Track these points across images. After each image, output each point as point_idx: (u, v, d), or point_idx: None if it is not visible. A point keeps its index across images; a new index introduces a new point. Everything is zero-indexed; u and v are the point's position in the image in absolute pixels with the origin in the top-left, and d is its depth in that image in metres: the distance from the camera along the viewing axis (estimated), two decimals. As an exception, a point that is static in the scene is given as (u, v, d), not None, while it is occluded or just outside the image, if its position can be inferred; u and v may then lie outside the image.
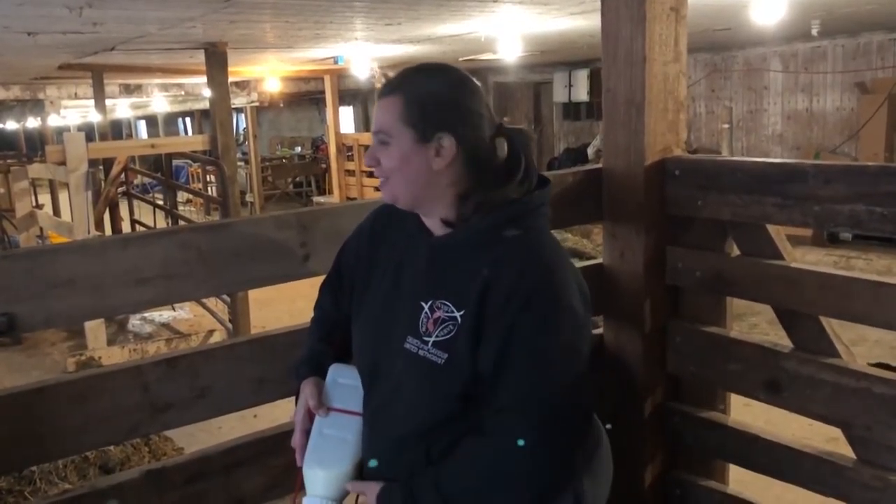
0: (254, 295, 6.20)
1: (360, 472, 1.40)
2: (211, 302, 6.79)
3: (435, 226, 1.40)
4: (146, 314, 7.19)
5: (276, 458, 1.79)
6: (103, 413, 1.56)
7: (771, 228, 1.96)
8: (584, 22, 6.64)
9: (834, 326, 1.88)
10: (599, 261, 2.31)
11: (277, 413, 1.95)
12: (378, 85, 10.79)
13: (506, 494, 1.27)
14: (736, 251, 2.07)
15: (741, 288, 2.02)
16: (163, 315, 7.31)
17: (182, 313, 7.37)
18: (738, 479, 2.24)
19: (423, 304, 1.34)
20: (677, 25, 2.11)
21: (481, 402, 1.30)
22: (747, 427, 2.08)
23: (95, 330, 6.05)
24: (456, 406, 1.31)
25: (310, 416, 1.43)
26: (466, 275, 1.32)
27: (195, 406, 1.68)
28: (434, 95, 1.35)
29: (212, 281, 1.67)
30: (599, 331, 2.33)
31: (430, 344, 1.31)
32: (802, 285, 1.87)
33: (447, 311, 1.32)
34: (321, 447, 1.38)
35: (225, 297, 6.40)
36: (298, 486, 1.41)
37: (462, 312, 1.31)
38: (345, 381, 1.46)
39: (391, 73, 1.43)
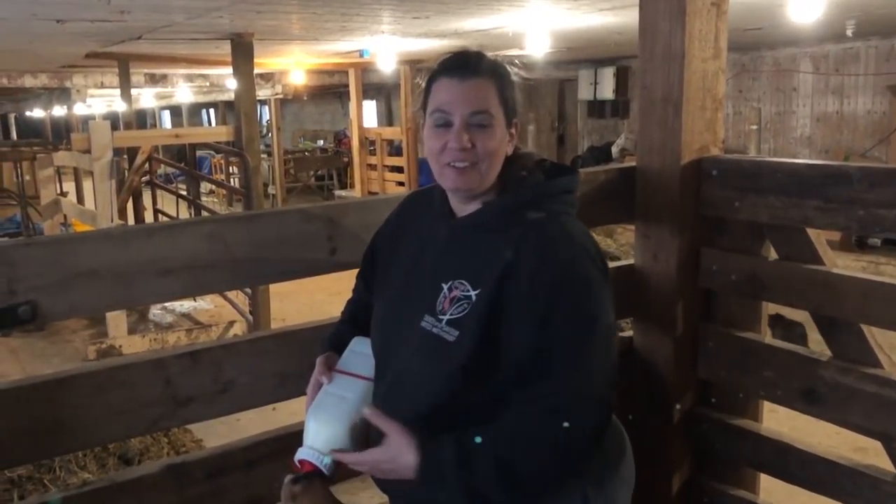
0: (274, 287, 6.19)
1: (361, 436, 1.37)
2: (232, 293, 6.79)
3: (463, 209, 1.40)
4: (167, 304, 7.21)
5: (297, 455, 1.75)
6: (124, 405, 1.53)
7: (811, 232, 1.90)
8: (614, 18, 6.56)
9: (875, 335, 1.82)
10: (631, 262, 2.26)
11: (296, 407, 1.92)
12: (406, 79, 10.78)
13: (548, 471, 1.26)
14: (773, 255, 2.01)
15: (778, 292, 1.96)
16: (183, 305, 7.33)
17: (203, 304, 7.38)
18: (762, 486, 2.18)
19: (443, 284, 1.34)
20: (718, 21, 2.05)
21: (501, 385, 1.28)
22: (781, 436, 2.02)
23: (116, 319, 6.06)
24: (460, 384, 1.30)
25: (318, 385, 1.44)
26: (485, 255, 1.32)
27: (217, 401, 1.65)
28: (511, 81, 1.37)
29: (238, 273, 1.64)
30: (629, 333, 2.28)
31: (444, 322, 1.31)
32: (844, 292, 1.80)
33: (463, 290, 1.31)
34: (321, 403, 1.41)
35: (246, 287, 6.40)
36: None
37: (478, 291, 1.30)
38: (359, 350, 1.47)
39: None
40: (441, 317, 1.32)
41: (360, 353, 1.47)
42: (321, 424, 1.37)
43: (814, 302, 1.88)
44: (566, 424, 1.23)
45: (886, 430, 1.76)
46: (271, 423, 1.89)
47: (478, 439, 1.23)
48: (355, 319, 1.58)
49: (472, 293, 1.30)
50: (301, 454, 1.37)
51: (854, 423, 1.82)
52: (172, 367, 1.58)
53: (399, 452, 1.26)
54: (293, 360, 1.73)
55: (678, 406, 2.17)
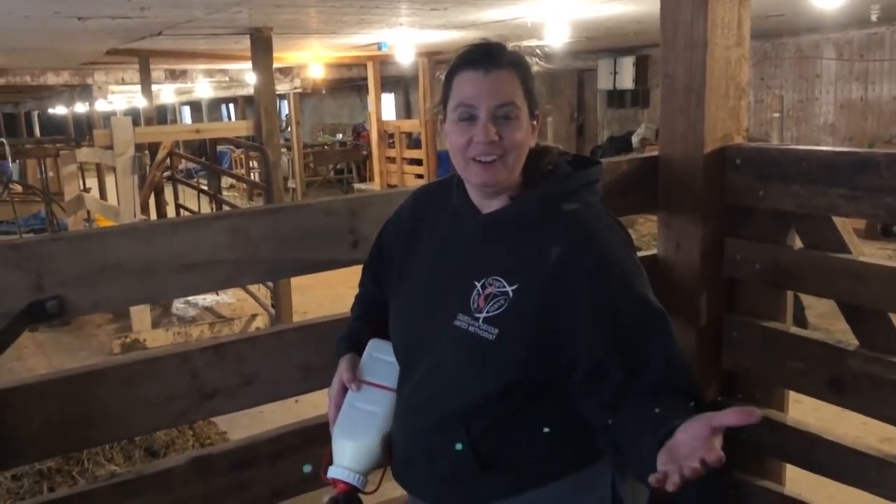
0: (295, 280, 6.22)
1: (388, 446, 1.39)
2: (254, 286, 6.84)
3: (487, 204, 1.36)
4: (190, 297, 7.27)
5: (322, 447, 1.75)
6: (151, 398, 1.55)
7: (837, 221, 1.88)
8: (634, 7, 6.52)
9: (903, 324, 1.79)
10: (653, 252, 2.24)
11: (318, 398, 1.94)
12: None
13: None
14: (798, 244, 1.99)
15: (804, 282, 1.94)
16: (206, 299, 7.38)
17: (225, 297, 7.43)
18: (788, 477, 2.16)
19: (476, 282, 1.31)
20: (741, 8, 2.02)
21: (549, 382, 1.28)
22: (807, 427, 2.00)
23: (140, 313, 6.13)
24: (502, 385, 1.28)
25: (343, 391, 1.43)
26: (523, 250, 1.30)
27: (242, 393, 1.66)
28: (533, 73, 1.35)
29: (261, 267, 1.65)
30: (652, 324, 2.26)
31: (480, 320, 1.29)
32: (871, 280, 1.78)
33: (499, 287, 1.29)
34: (350, 419, 1.39)
35: (268, 283, 6.44)
36: (327, 457, 1.40)
37: (515, 287, 1.28)
38: (380, 356, 1.45)
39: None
40: (477, 315, 1.29)
41: (382, 361, 1.45)
42: (352, 442, 1.37)
43: (840, 291, 1.86)
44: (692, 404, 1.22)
45: (916, 421, 1.73)
46: (294, 415, 1.90)
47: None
48: (368, 316, 1.56)
49: (509, 289, 1.28)
50: (335, 474, 1.37)
51: (882, 413, 1.80)
52: (198, 360, 1.60)
53: None
54: (316, 353, 1.73)
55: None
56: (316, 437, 1.76)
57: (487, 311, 1.28)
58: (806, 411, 2.43)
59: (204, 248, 1.57)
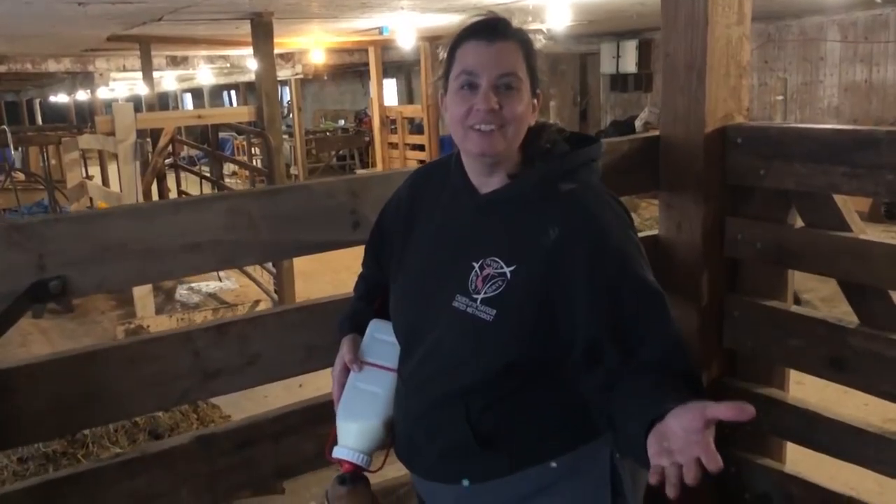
0: (298, 266, 6.24)
1: (392, 426, 1.40)
2: (257, 272, 6.86)
3: (485, 183, 1.36)
4: (193, 284, 7.30)
5: (324, 426, 1.76)
6: (154, 378, 1.56)
7: (838, 199, 1.88)
8: (635, -11, 6.47)
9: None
10: (654, 232, 2.24)
11: (322, 382, 1.95)
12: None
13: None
14: (799, 223, 1.99)
15: (805, 260, 1.94)
16: (210, 285, 7.40)
17: (228, 284, 7.45)
18: (789, 456, 2.18)
19: (474, 263, 1.31)
20: (742, -15, 2.01)
21: (548, 362, 1.29)
22: (807, 405, 2.01)
23: (144, 299, 6.15)
24: (501, 365, 1.29)
25: (346, 371, 1.44)
26: (521, 230, 1.30)
27: (245, 373, 1.67)
28: (535, 49, 1.34)
29: (262, 247, 1.66)
30: (653, 304, 2.27)
31: (478, 301, 1.29)
32: (871, 258, 1.78)
33: (496, 268, 1.29)
34: (353, 400, 1.41)
35: (271, 267, 6.45)
36: (332, 437, 1.41)
37: (513, 268, 1.28)
38: (382, 337, 1.46)
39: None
40: (475, 296, 1.29)
41: (383, 342, 1.46)
42: (355, 423, 1.39)
43: (841, 269, 1.86)
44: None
45: (916, 397, 1.74)
46: (298, 399, 1.91)
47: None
48: (370, 296, 1.56)
49: (507, 270, 1.28)
50: (339, 454, 1.38)
51: (883, 391, 1.81)
52: (200, 340, 1.61)
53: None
54: (319, 333, 1.74)
55: (704, 376, 2.16)
56: (319, 417, 1.78)
57: (485, 293, 1.29)
58: (808, 393, 2.43)
59: (205, 229, 1.57)
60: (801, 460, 2.10)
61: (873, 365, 1.80)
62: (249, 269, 7.01)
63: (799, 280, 2.08)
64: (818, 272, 1.95)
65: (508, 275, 1.28)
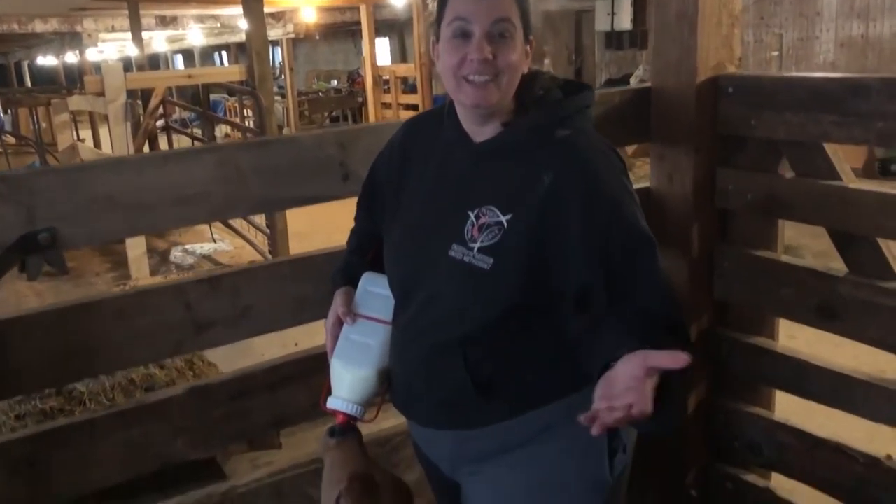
0: (292, 227, 6.23)
1: (385, 378, 1.42)
2: (251, 234, 6.85)
3: (479, 131, 1.35)
4: (187, 246, 7.29)
5: (319, 377, 1.78)
6: (147, 330, 1.57)
7: (828, 148, 1.88)
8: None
9: (892, 249, 1.81)
10: (646, 185, 2.24)
11: (318, 340, 1.97)
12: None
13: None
14: (790, 173, 1.99)
15: (795, 210, 1.95)
16: (204, 247, 7.40)
17: (223, 245, 7.45)
18: (780, 407, 2.20)
19: (469, 212, 1.31)
20: (735, -68, 1.99)
21: (544, 310, 1.29)
22: (797, 353, 2.03)
23: (138, 261, 6.15)
24: (499, 314, 1.29)
25: (339, 323, 1.45)
26: (516, 178, 1.30)
27: (237, 325, 1.68)
28: None
29: (251, 199, 1.66)
30: (644, 256, 2.28)
31: (475, 250, 1.29)
32: (861, 206, 1.79)
33: (492, 216, 1.29)
34: (346, 351, 1.42)
35: (265, 228, 6.45)
36: (326, 388, 1.43)
37: (510, 216, 1.28)
38: (375, 290, 1.46)
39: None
40: (472, 245, 1.29)
41: (376, 294, 1.46)
42: (349, 373, 1.40)
43: (830, 217, 1.87)
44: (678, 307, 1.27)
45: (902, 343, 1.76)
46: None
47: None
48: (363, 249, 1.56)
49: (503, 218, 1.28)
50: (333, 404, 1.40)
51: (871, 338, 1.83)
52: (192, 292, 1.61)
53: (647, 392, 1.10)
54: (311, 286, 1.75)
55: (694, 327, 2.18)
56: (313, 368, 1.79)
57: (482, 241, 1.29)
58: (801, 346, 2.45)
59: (194, 181, 1.57)
60: (793, 412, 2.12)
61: (862, 312, 1.81)
62: (243, 229, 7.01)
63: (791, 236, 2.08)
64: (808, 221, 1.95)
65: (505, 223, 1.28)
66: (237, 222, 7.15)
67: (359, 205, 1.61)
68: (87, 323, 1.50)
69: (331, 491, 1.31)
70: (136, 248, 6.13)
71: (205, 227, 7.46)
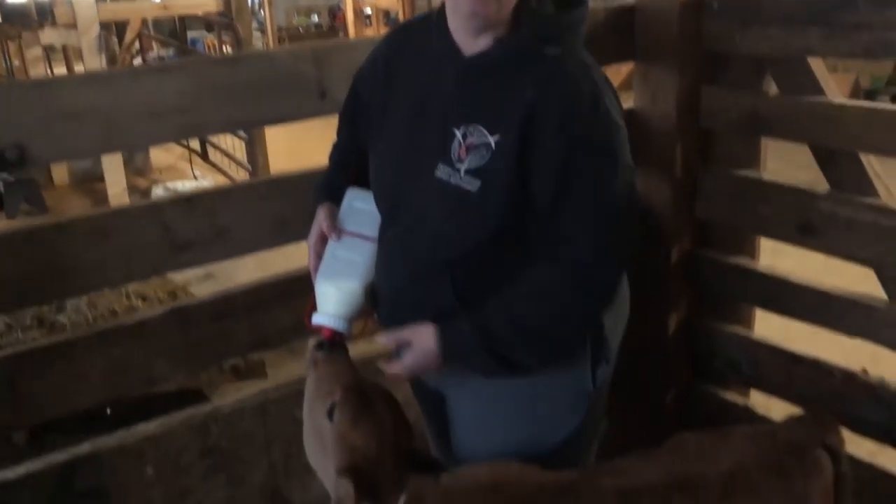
0: (274, 165, 6.18)
1: (371, 295, 1.41)
2: (232, 170, 6.78)
3: (472, 44, 1.30)
4: (168, 184, 7.20)
5: (300, 299, 1.78)
6: (123, 250, 1.55)
7: (813, 63, 1.85)
8: None
9: (874, 164, 1.81)
10: (630, 105, 2.21)
11: (298, 264, 1.95)
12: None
13: (581, 311, 1.29)
14: (774, 90, 1.97)
15: (778, 127, 1.93)
16: (185, 185, 7.31)
17: (204, 183, 7.37)
18: (761, 328, 2.23)
19: (456, 130, 1.27)
20: None
21: (529, 232, 1.27)
22: (775, 271, 2.05)
23: (118, 199, 6.07)
24: (487, 237, 1.27)
25: (323, 240, 1.43)
26: (504, 96, 1.26)
27: (216, 245, 1.66)
28: None
29: (226, 116, 1.61)
30: (627, 178, 2.26)
31: (462, 171, 1.26)
32: (844, 121, 1.78)
33: (480, 137, 1.25)
34: (332, 266, 1.40)
35: (246, 164, 6.38)
36: (310, 305, 1.42)
37: (497, 137, 1.24)
38: (360, 206, 1.44)
39: None
40: (458, 165, 1.26)
41: (361, 210, 1.44)
42: (335, 288, 1.38)
43: (814, 134, 1.86)
44: (590, 267, 1.25)
45: (880, 258, 1.77)
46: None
47: (497, 315, 1.26)
48: (346, 165, 1.53)
49: (491, 139, 1.25)
50: (319, 320, 1.38)
51: (849, 254, 1.84)
52: (168, 211, 1.59)
53: (422, 346, 1.30)
54: (290, 207, 1.73)
55: (676, 248, 2.18)
56: (293, 290, 1.78)
57: (469, 163, 1.26)
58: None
59: (166, 97, 1.52)
60: (773, 335, 2.14)
61: (842, 229, 1.82)
62: (225, 166, 6.93)
63: (776, 169, 2.08)
64: (791, 139, 1.94)
65: (493, 144, 1.24)
66: (219, 159, 7.08)
67: (341, 119, 1.57)
68: (60, 243, 1.48)
69: (318, 404, 1.30)
70: (115, 185, 6.05)
71: (186, 166, 7.37)
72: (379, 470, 1.22)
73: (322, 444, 1.29)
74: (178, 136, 1.67)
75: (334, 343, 1.38)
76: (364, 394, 1.28)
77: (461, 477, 1.29)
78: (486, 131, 1.26)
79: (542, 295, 1.27)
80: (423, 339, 1.31)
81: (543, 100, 1.23)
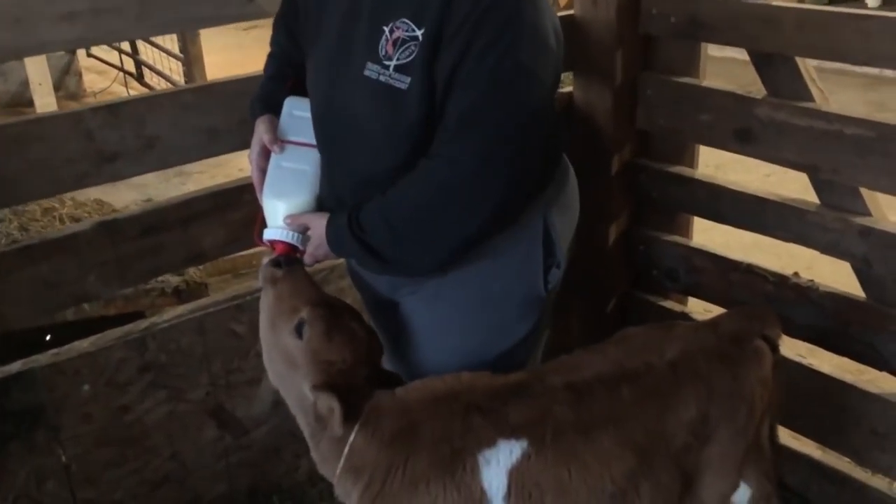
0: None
1: (321, 205, 1.37)
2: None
3: None
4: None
5: (235, 212, 1.75)
6: (46, 160, 1.48)
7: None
8: None
9: (812, 73, 1.81)
10: (571, 12, 2.18)
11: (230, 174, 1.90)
12: None
13: (449, 213, 1.23)
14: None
15: (716, 32, 1.92)
16: (122, 109, 7.06)
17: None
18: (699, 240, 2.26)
19: (384, 27, 1.22)
20: None
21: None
22: (713, 179, 2.07)
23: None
24: (422, 136, 1.24)
25: (265, 153, 1.38)
26: None
27: (144, 156, 1.61)
28: None
29: (147, 19, 1.54)
30: (569, 89, 2.24)
31: (391, 68, 1.22)
32: (781, 24, 1.77)
33: (407, 31, 1.21)
34: (279, 179, 1.36)
35: (184, 86, 6.16)
36: (259, 222, 1.38)
37: (423, 30, 1.20)
38: (300, 114, 1.39)
39: None
40: (387, 63, 1.22)
41: (302, 119, 1.39)
42: (285, 201, 1.34)
43: (752, 37, 1.85)
44: (463, 162, 1.20)
45: (814, 162, 1.79)
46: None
47: (369, 204, 1.25)
48: (282, 74, 1.47)
49: (418, 33, 1.20)
50: (271, 235, 1.34)
51: (785, 159, 1.86)
52: (91, 120, 1.52)
53: (317, 234, 1.31)
54: (222, 116, 1.68)
55: (617, 158, 2.19)
56: (227, 203, 1.75)
57: (398, 59, 1.21)
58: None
59: (82, -3, 1.44)
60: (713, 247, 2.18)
61: (778, 134, 1.83)
62: (161, 88, 6.68)
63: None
64: (728, 43, 1.93)
65: (420, 37, 1.20)
66: (155, 82, 6.82)
67: (276, 27, 1.50)
68: (-23, 152, 1.41)
69: (282, 322, 1.27)
70: (46, 109, 5.80)
71: (121, 89, 7.09)
72: (354, 383, 1.23)
73: (289, 363, 1.27)
74: (95, 41, 1.59)
75: (290, 259, 1.33)
76: (332, 308, 1.26)
77: (415, 389, 1.30)
78: (413, 24, 1.21)
79: (409, 191, 1.23)
80: (317, 227, 1.31)
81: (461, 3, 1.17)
